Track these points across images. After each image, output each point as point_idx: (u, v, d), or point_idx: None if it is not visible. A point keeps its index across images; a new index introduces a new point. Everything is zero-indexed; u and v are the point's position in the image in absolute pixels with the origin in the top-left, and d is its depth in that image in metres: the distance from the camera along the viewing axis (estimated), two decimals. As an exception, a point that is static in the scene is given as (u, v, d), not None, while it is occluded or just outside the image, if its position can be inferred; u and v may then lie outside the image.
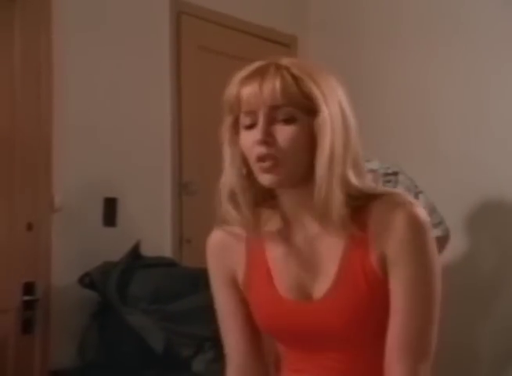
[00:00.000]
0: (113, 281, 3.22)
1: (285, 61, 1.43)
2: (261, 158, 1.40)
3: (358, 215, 1.41)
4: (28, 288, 3.23)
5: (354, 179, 1.40)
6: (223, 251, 1.54)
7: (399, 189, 1.34)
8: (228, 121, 1.47)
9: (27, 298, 3.22)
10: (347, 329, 1.40)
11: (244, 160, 1.45)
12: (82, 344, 3.32)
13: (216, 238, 1.56)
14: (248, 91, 1.41)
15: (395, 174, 3.01)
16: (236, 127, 1.46)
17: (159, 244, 3.73)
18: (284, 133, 1.39)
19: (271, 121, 1.40)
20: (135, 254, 3.34)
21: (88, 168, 3.45)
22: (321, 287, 1.43)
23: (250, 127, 1.42)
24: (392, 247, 1.38)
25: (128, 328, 3.14)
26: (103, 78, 3.56)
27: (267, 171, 1.40)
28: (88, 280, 3.29)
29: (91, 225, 3.47)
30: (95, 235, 3.45)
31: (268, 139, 1.39)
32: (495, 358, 3.88)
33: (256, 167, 1.41)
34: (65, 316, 3.33)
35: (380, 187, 1.42)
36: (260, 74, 1.41)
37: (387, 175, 2.98)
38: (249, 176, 1.45)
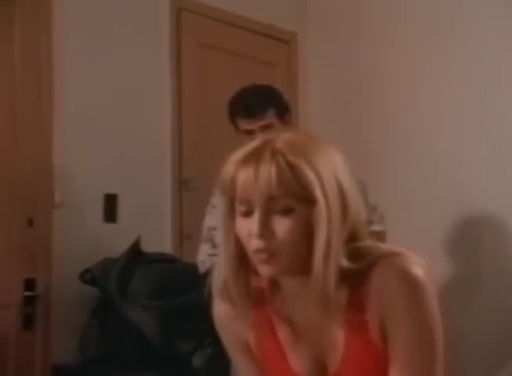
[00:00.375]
0: (113, 277, 3.23)
1: (280, 143, 1.38)
2: (258, 251, 1.38)
3: (356, 293, 1.40)
4: (29, 284, 3.23)
5: (349, 263, 1.38)
6: (231, 323, 1.54)
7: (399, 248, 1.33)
8: (223, 202, 1.44)
9: (27, 293, 3.23)
10: None
11: (238, 242, 1.43)
12: (83, 339, 3.34)
13: (221, 311, 1.54)
14: (243, 178, 1.37)
15: None
16: (230, 209, 1.43)
17: (159, 240, 3.74)
18: (282, 226, 1.36)
19: (267, 212, 1.37)
20: (135, 250, 3.34)
21: (89, 164, 3.46)
22: (331, 366, 1.44)
23: (246, 214, 1.39)
24: (389, 312, 1.37)
25: (129, 324, 3.15)
26: (104, 75, 3.57)
27: (265, 262, 1.38)
28: (88, 276, 3.30)
29: (92, 221, 3.48)
30: (96, 231, 3.46)
31: (265, 232, 1.36)
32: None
33: (254, 257, 1.39)
34: (66, 312, 3.33)
35: (377, 249, 1.41)
36: (255, 160, 1.37)
37: None
38: (244, 257, 1.44)
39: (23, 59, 3.28)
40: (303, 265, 1.38)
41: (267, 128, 2.93)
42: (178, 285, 3.24)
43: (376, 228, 3.09)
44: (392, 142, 4.29)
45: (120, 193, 3.55)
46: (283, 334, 1.48)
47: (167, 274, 3.31)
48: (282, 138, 1.40)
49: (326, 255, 1.35)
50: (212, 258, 2.96)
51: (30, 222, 3.26)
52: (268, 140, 1.39)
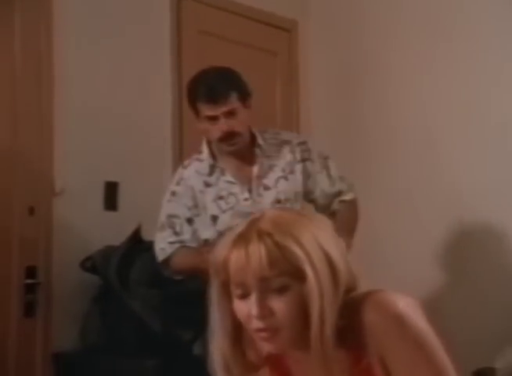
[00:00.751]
0: (113, 265, 3.24)
1: (265, 224, 1.44)
2: (260, 330, 1.43)
3: (353, 342, 1.44)
4: (30, 272, 3.24)
5: (342, 321, 1.43)
6: None
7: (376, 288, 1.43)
8: (215, 284, 1.48)
9: (28, 281, 3.23)
10: None
11: (235, 321, 1.48)
12: (84, 327, 3.34)
13: None
14: (235, 261, 1.42)
15: (305, 143, 3.06)
16: (223, 291, 1.48)
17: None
18: (280, 305, 1.41)
19: (263, 292, 1.41)
20: (135, 238, 3.34)
21: (89, 152, 3.46)
22: None
23: (242, 297, 1.44)
24: (385, 346, 1.41)
25: (129, 312, 3.16)
26: (104, 63, 3.57)
27: (267, 340, 1.43)
28: (89, 264, 3.31)
29: (93, 209, 3.48)
30: (96, 219, 3.46)
31: (264, 313, 1.41)
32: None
33: (255, 336, 1.45)
34: (66, 300, 3.34)
35: (356, 297, 1.46)
36: (244, 242, 1.42)
37: (300, 144, 3.03)
38: (240, 333, 1.50)
39: (23, 48, 3.29)
40: (301, 336, 1.43)
41: (230, 113, 2.84)
42: (178, 273, 3.24)
43: (346, 197, 3.06)
44: (392, 131, 4.28)
45: (121, 181, 3.56)
46: None
47: (168, 262, 3.31)
48: (266, 218, 1.45)
49: (322, 328, 1.40)
50: (173, 246, 2.92)
51: (31, 211, 3.27)
52: (253, 221, 1.45)
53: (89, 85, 3.49)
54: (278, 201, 2.92)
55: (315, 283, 1.40)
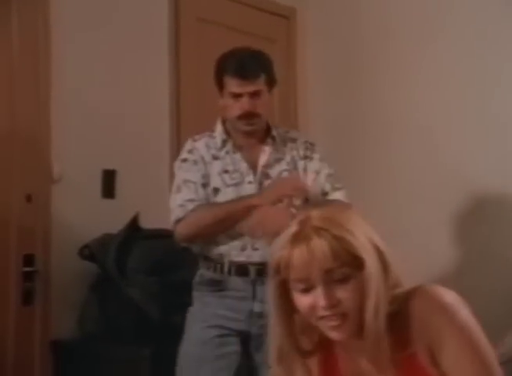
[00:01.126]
0: (111, 253, 3.25)
1: (318, 221, 1.55)
2: (328, 318, 1.53)
3: (398, 331, 1.54)
4: (28, 260, 3.25)
5: (390, 309, 1.54)
6: None
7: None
8: (273, 282, 1.60)
9: (26, 269, 3.24)
10: None
11: (291, 315, 1.60)
12: (82, 315, 3.36)
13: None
14: (298, 258, 1.53)
15: (309, 142, 3.05)
16: (281, 288, 1.59)
17: (158, 216, 3.73)
18: (345, 293, 1.52)
19: (328, 283, 1.53)
20: (133, 226, 3.35)
21: (87, 140, 3.46)
22: None
23: (306, 291, 1.55)
24: (434, 336, 1.51)
25: (127, 300, 3.17)
26: (101, 51, 3.57)
27: (335, 329, 1.54)
28: (87, 252, 3.31)
29: (90, 197, 3.49)
30: (94, 207, 3.47)
31: (332, 302, 1.52)
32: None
33: (322, 325, 1.56)
34: (65, 288, 3.35)
35: (404, 289, 1.58)
36: (304, 240, 1.53)
37: (305, 142, 3.02)
38: (294, 324, 1.62)
39: (20, 36, 3.30)
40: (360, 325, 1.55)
41: (255, 94, 2.82)
42: (176, 261, 3.25)
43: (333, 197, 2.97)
44: (391, 118, 4.28)
45: (119, 169, 3.56)
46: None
47: (166, 250, 3.32)
48: (315, 216, 1.57)
49: (376, 315, 1.52)
50: (193, 203, 2.82)
51: (29, 198, 3.27)
52: (303, 221, 1.57)
53: (86, 73, 3.49)
54: None
55: (372, 269, 1.52)
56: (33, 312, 3.28)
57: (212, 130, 2.98)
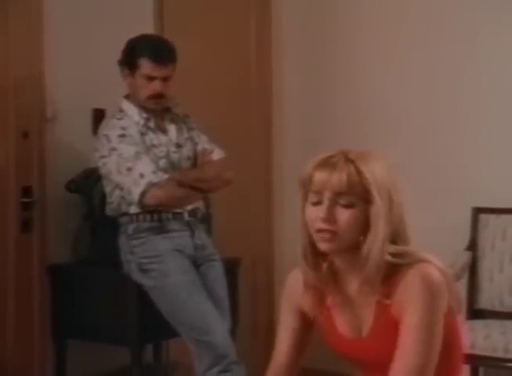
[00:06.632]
0: (97, 193, 3.35)
1: (353, 155, 1.74)
2: (321, 231, 1.73)
3: (388, 281, 1.73)
4: (26, 191, 3.35)
5: (391, 258, 1.72)
6: (295, 290, 1.90)
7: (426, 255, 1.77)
8: (300, 194, 1.78)
9: (24, 200, 3.34)
10: (387, 358, 1.73)
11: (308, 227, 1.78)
12: (75, 242, 3.47)
13: (293, 278, 1.91)
14: (319, 176, 1.72)
15: (188, 116, 3.36)
16: (304, 199, 1.77)
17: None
18: (344, 216, 1.71)
19: (334, 203, 1.71)
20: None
21: (78, 81, 3.53)
22: (364, 331, 1.81)
23: (316, 204, 1.73)
24: (409, 302, 1.70)
25: (114, 229, 3.25)
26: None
27: (325, 241, 1.73)
28: (73, 186, 3.42)
29: (81, 134, 3.57)
30: (85, 143, 3.52)
31: (330, 217, 1.71)
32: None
33: (316, 236, 1.75)
34: (60, 217, 3.46)
35: (413, 255, 1.78)
36: (331, 165, 1.72)
37: (186, 116, 3.33)
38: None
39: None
40: (354, 246, 1.74)
41: (166, 78, 3.08)
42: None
43: (216, 156, 3.27)
44: (365, 104, 4.23)
45: (108, 108, 3.57)
46: (332, 300, 1.85)
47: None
48: (353, 152, 1.76)
49: (381, 243, 1.71)
50: (157, 175, 3.02)
51: (25, 135, 3.37)
52: (342, 151, 1.76)
53: (77, 19, 3.56)
54: (188, 158, 3.22)
55: (382, 208, 1.70)
56: (31, 239, 3.38)
57: (120, 109, 3.18)
